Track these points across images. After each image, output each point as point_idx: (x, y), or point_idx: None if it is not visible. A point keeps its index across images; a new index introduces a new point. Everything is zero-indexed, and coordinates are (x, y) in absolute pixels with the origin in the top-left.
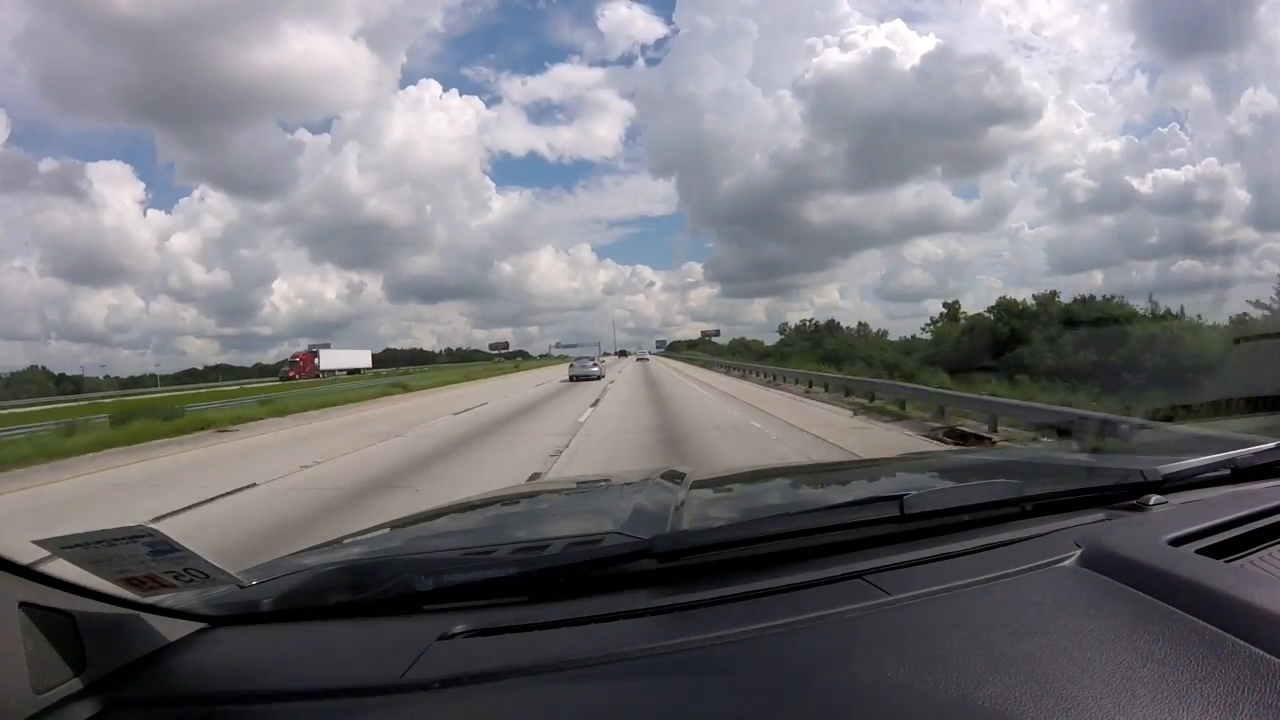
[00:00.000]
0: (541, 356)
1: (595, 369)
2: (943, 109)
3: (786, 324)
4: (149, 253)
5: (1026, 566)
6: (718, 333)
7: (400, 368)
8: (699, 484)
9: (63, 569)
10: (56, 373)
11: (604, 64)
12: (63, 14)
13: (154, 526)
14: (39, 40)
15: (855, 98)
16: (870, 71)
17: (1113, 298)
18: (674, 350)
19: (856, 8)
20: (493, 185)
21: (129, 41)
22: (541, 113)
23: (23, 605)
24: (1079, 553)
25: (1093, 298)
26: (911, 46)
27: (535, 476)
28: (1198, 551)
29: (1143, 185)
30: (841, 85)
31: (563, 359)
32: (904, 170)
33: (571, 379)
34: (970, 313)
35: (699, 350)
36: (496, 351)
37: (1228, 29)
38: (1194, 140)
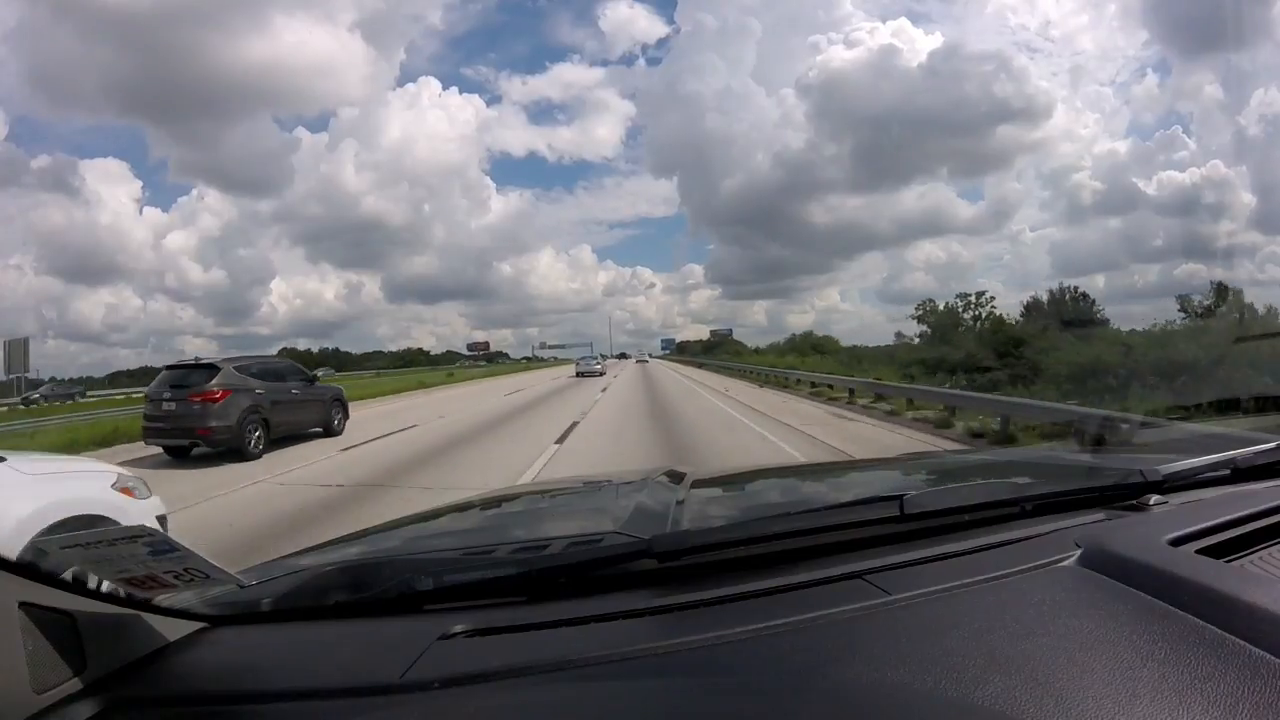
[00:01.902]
0: (526, 359)
1: (598, 366)
2: (948, 108)
3: (930, 302)
4: (145, 251)
5: (1026, 566)
6: (730, 331)
7: None
8: (699, 483)
9: (63, 569)
10: None
11: (605, 63)
12: (53, 7)
13: (154, 527)
14: (29, 35)
15: (859, 97)
16: (875, 70)
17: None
18: (683, 352)
19: (859, 7)
20: (492, 185)
21: (121, 36)
22: (542, 112)
23: (23, 605)
24: (1079, 553)
25: None
26: (917, 45)
27: None
28: (1198, 551)
29: (1148, 187)
30: (845, 84)
31: (555, 361)
32: (908, 171)
33: (577, 375)
34: None
35: (717, 353)
36: (474, 353)
37: (1243, 25)
38: (1201, 142)
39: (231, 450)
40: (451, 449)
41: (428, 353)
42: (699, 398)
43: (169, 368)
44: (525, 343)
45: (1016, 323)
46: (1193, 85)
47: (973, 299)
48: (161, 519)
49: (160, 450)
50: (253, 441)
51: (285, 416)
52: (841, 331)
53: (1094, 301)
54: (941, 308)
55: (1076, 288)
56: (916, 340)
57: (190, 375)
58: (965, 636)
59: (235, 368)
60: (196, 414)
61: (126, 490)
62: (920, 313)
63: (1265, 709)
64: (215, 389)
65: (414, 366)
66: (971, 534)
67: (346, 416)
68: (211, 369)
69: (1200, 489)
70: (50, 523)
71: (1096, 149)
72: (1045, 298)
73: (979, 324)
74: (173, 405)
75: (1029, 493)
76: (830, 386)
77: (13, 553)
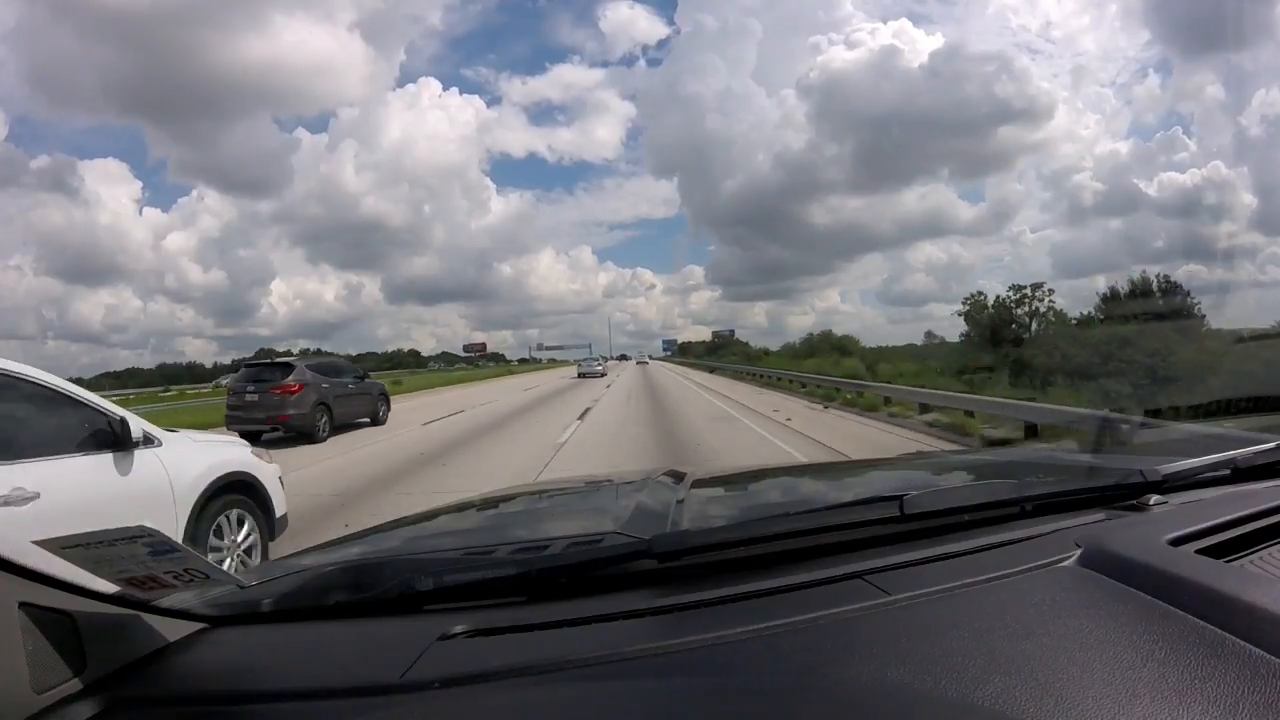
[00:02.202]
0: (521, 360)
1: (599, 368)
2: (949, 109)
3: (980, 295)
4: (145, 251)
5: (1026, 566)
6: (732, 332)
7: None
8: (699, 483)
9: (63, 569)
10: None
11: (605, 64)
12: (52, 7)
13: (154, 527)
14: (29, 35)
15: (860, 98)
16: (876, 71)
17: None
18: (686, 354)
19: (860, 8)
20: (492, 186)
21: (120, 35)
22: (542, 113)
23: (23, 605)
24: (1079, 553)
25: None
26: (918, 46)
27: None
28: (1198, 551)
29: (1149, 188)
30: (846, 85)
31: (551, 363)
32: (909, 172)
33: (580, 376)
34: None
35: (722, 354)
36: (469, 354)
37: (1245, 25)
38: (1202, 143)
39: (303, 434)
40: None
41: (418, 354)
42: (752, 437)
43: (247, 365)
44: (526, 344)
45: (1098, 318)
46: (1194, 86)
47: (1028, 291)
48: (280, 478)
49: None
50: (321, 427)
51: (344, 407)
52: (843, 333)
53: (1188, 293)
54: (991, 301)
55: (1166, 275)
56: (959, 339)
57: (267, 372)
58: (965, 636)
59: (306, 365)
60: (276, 404)
61: (259, 455)
62: (967, 308)
63: (1265, 709)
64: (293, 383)
65: (401, 369)
66: (971, 534)
67: (389, 408)
68: (287, 366)
69: (1200, 489)
70: (218, 474)
71: (1098, 150)
72: (1124, 286)
73: (1035, 320)
74: (255, 396)
75: (1029, 493)
76: (970, 414)
77: (13, 553)
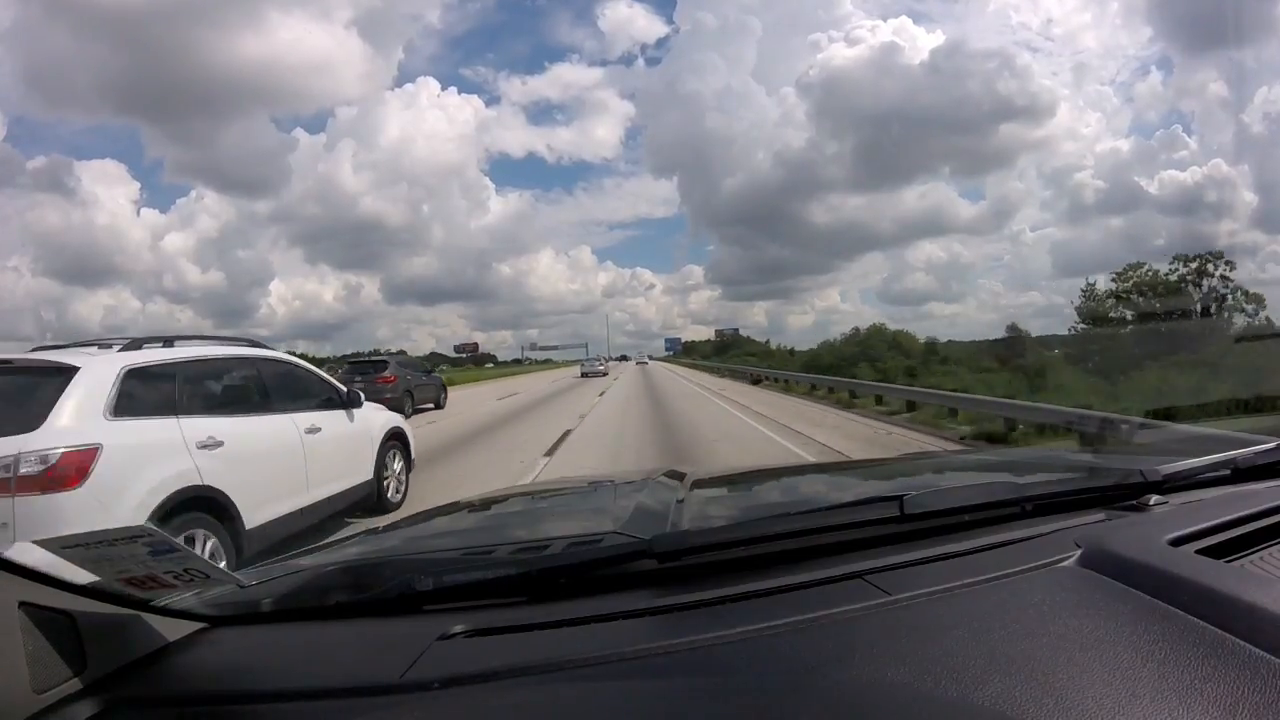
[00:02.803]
0: (514, 361)
1: (601, 367)
2: (950, 107)
3: (1142, 267)
4: (143, 252)
5: (1026, 566)
6: (736, 330)
7: None
8: (699, 484)
9: (63, 569)
10: None
11: (604, 63)
12: (48, 7)
13: (154, 527)
14: (25, 35)
15: (860, 95)
16: (876, 68)
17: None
18: (691, 353)
19: (860, 5)
20: (491, 186)
21: (116, 34)
22: (541, 113)
23: (23, 605)
24: (1079, 553)
25: None
26: (919, 43)
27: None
28: (1198, 552)
29: (1150, 186)
30: (846, 82)
31: (549, 363)
32: (910, 170)
33: (582, 375)
34: None
35: (731, 354)
36: (462, 354)
37: (1248, 22)
38: (1204, 140)
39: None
40: None
41: (405, 353)
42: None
43: (350, 362)
44: (525, 345)
45: None
46: (1196, 83)
47: (1195, 263)
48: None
49: None
50: (407, 409)
51: (421, 394)
52: (842, 333)
53: None
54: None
55: None
56: (1072, 331)
57: (365, 367)
58: (965, 636)
59: (395, 362)
60: (378, 390)
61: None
62: (1120, 285)
63: (1265, 709)
64: (390, 374)
65: None
66: (972, 534)
67: (447, 396)
68: (381, 363)
69: (1200, 489)
70: (389, 427)
71: (1099, 147)
72: None
73: (1214, 303)
74: (360, 385)
75: (1029, 493)
76: None
77: (13, 553)
